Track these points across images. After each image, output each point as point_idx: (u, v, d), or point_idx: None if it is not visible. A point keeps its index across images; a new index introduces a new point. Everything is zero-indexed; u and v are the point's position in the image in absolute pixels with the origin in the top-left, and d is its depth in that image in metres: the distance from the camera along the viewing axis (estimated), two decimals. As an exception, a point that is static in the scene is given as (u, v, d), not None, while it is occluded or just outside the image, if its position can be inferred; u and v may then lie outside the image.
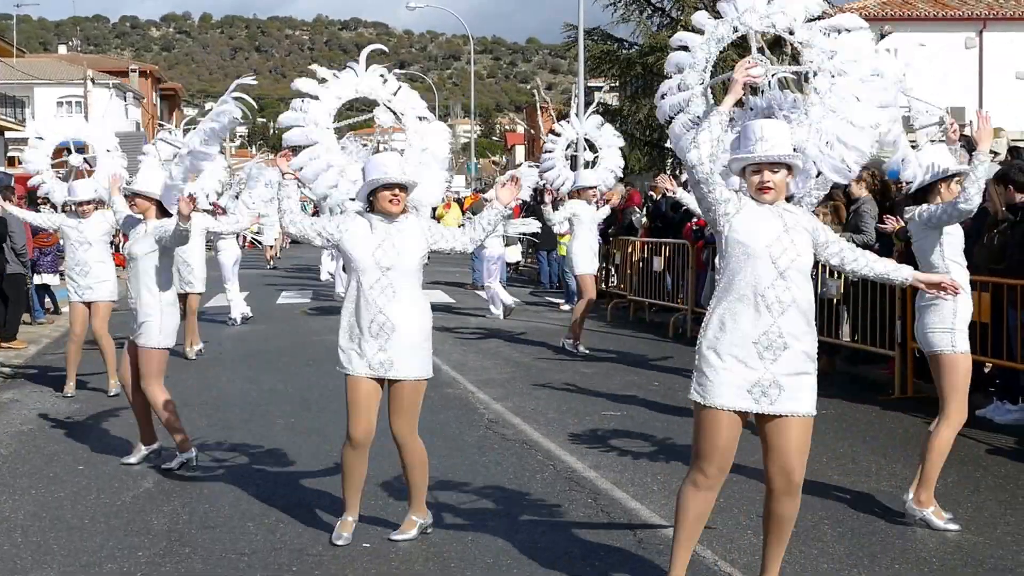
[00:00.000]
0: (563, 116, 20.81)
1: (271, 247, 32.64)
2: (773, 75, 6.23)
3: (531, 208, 24.66)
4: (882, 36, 23.51)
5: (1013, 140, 21.11)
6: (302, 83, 7.85)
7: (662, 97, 6.65)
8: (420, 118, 7.90)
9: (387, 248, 6.32)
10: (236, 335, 16.53)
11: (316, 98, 7.76)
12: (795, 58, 6.50)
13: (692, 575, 5.98)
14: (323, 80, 7.90)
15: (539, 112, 42.44)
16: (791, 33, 6.36)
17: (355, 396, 6.41)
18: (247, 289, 22.82)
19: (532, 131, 50.47)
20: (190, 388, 11.66)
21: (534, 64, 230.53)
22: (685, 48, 6.64)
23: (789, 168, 5.21)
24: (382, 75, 7.91)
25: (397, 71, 8.20)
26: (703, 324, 5.29)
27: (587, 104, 20.87)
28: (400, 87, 7.92)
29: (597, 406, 10.69)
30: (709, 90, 6.50)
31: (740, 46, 6.37)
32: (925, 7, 41.58)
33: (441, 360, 13.03)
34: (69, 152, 12.87)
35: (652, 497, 7.47)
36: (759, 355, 5.09)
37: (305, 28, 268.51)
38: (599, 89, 28.69)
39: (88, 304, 11.33)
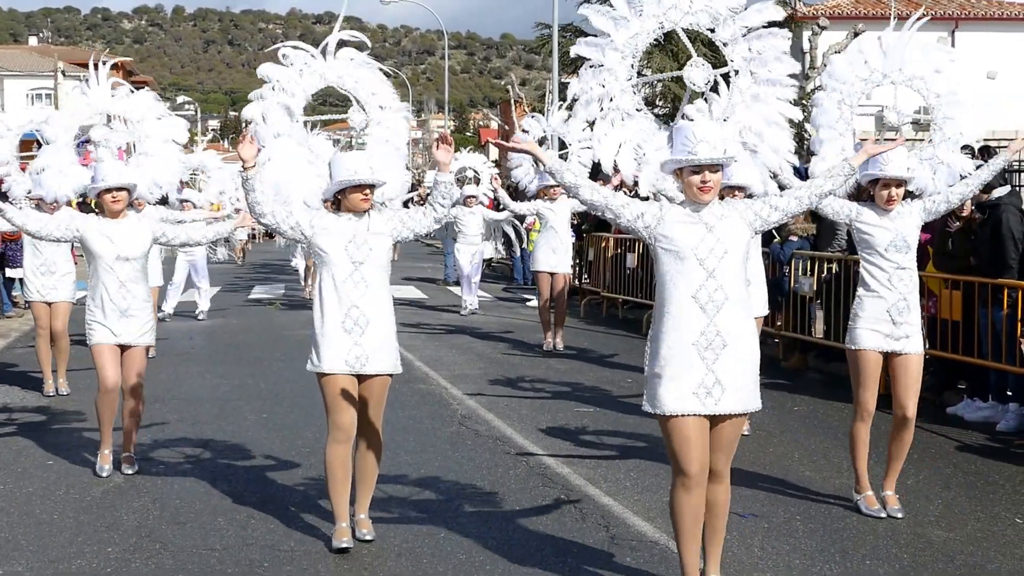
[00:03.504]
0: (538, 112, 20.69)
1: (241, 243, 32.46)
2: (708, 83, 6.15)
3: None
4: (855, 35, 23.48)
5: (984, 139, 21.17)
6: (270, 68, 7.38)
7: (577, 99, 6.35)
8: (380, 107, 7.48)
9: (359, 243, 6.31)
10: (206, 330, 16.44)
11: (283, 90, 7.32)
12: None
13: (660, 571, 5.99)
14: (293, 67, 7.38)
15: (513, 108, 42.41)
16: (712, 31, 6.31)
17: (333, 390, 6.35)
18: (217, 284, 22.74)
19: (506, 127, 50.36)
20: (160, 384, 11.58)
21: (508, 60, 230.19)
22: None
23: (723, 166, 5.26)
24: (352, 58, 7.43)
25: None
26: (648, 334, 5.34)
27: (563, 100, 20.79)
28: (362, 73, 7.42)
29: (570, 402, 10.69)
30: (638, 88, 6.33)
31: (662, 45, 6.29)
32: (898, 6, 41.77)
33: (414, 356, 12.99)
34: (39, 146, 12.64)
35: (625, 493, 7.47)
36: (700, 355, 5.14)
37: (279, 22, 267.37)
38: (573, 85, 28.57)
39: (49, 303, 11.21)
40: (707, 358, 5.14)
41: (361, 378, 6.42)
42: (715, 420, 5.23)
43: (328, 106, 8.90)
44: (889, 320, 6.94)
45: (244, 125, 7.53)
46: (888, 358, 7.01)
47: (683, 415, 5.15)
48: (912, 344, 6.98)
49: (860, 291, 7.10)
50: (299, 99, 7.28)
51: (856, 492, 7.16)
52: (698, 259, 5.14)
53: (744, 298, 5.25)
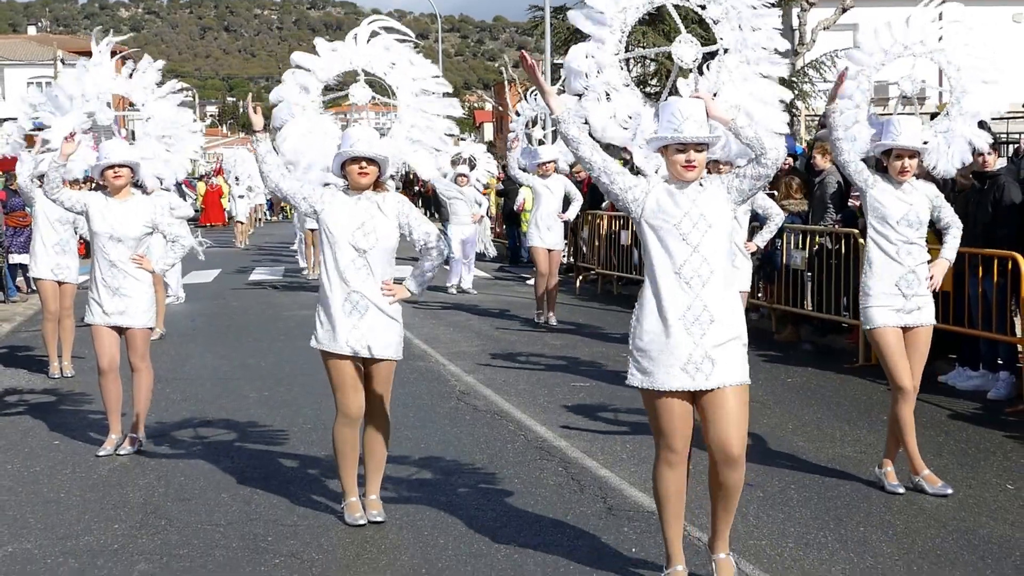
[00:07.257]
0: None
1: (243, 225, 32.54)
2: (696, 61, 6.16)
3: (504, 187, 24.70)
4: (843, 11, 23.32)
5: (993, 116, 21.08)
6: (300, 57, 7.31)
7: (576, 73, 6.33)
8: (423, 92, 7.25)
9: (367, 231, 6.28)
10: (207, 311, 16.52)
11: (302, 68, 7.23)
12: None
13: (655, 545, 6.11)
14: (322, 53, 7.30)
15: (507, 89, 42.37)
16: (703, 8, 6.31)
17: (339, 374, 6.38)
18: (219, 267, 22.85)
19: (500, 108, 50.30)
20: (163, 364, 11.66)
21: (501, 42, 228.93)
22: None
23: (708, 145, 5.26)
24: (387, 47, 7.25)
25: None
26: (634, 310, 5.35)
27: (555, 81, 20.80)
28: (397, 61, 7.25)
29: (567, 377, 10.79)
30: (625, 62, 6.36)
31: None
32: (892, -19, 41.64)
33: (412, 334, 13.08)
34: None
35: (622, 465, 7.58)
36: (687, 331, 5.13)
37: (274, 7, 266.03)
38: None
39: (60, 282, 11.37)
40: (694, 333, 5.12)
41: (365, 362, 6.45)
42: (710, 394, 5.19)
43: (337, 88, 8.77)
44: (899, 294, 6.92)
45: (271, 108, 7.52)
46: (902, 331, 7.00)
47: (671, 391, 5.17)
48: (923, 316, 6.99)
49: (866, 267, 7.07)
50: (317, 77, 7.18)
51: (912, 474, 7.00)
52: (682, 235, 5.12)
53: (729, 272, 5.25)
